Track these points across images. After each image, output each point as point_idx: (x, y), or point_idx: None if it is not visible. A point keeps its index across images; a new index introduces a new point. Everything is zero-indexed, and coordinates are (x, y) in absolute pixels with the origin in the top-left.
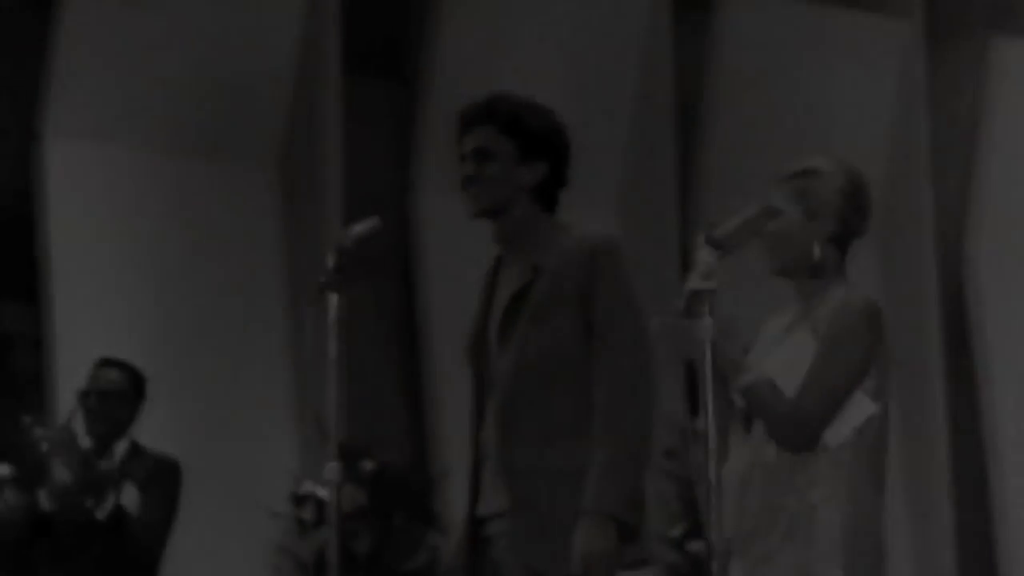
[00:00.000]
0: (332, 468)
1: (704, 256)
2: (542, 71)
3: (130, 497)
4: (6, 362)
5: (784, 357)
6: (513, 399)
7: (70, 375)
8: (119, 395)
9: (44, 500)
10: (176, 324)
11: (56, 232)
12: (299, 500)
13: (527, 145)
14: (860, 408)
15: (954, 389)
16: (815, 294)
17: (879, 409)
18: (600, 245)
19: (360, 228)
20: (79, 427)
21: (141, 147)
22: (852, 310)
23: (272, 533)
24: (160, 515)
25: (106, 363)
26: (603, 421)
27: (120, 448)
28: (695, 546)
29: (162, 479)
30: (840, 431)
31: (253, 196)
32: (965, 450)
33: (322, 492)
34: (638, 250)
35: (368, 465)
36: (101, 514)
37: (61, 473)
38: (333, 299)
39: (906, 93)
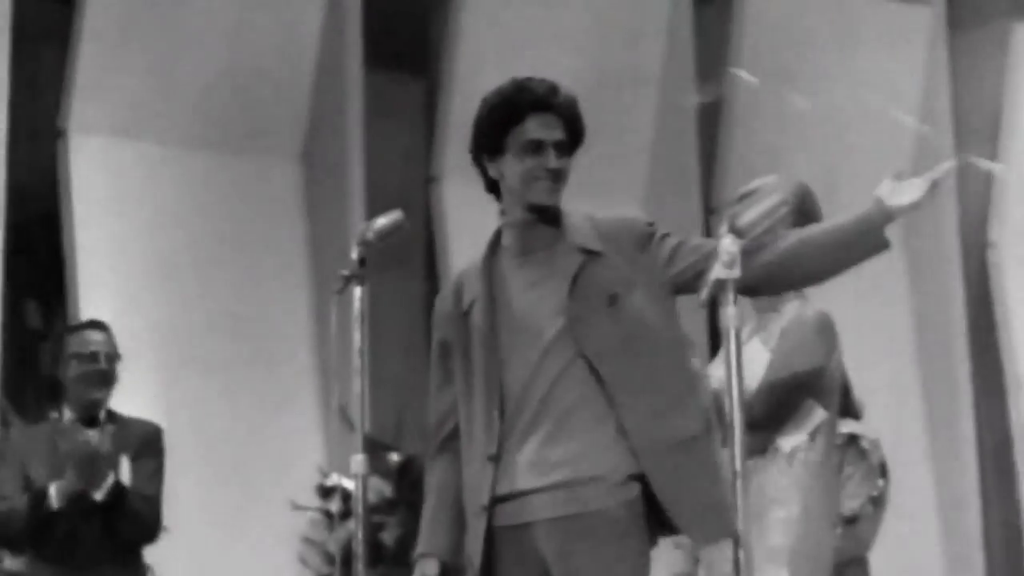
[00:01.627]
0: (358, 460)
1: (727, 245)
2: (564, 64)
3: (125, 471)
4: (33, 360)
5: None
6: (621, 374)
7: None
8: (116, 356)
9: (52, 499)
10: (201, 318)
11: (81, 229)
12: (326, 492)
13: (575, 138)
14: (812, 415)
15: (981, 387)
16: (771, 308)
17: (829, 416)
18: (637, 219)
19: (383, 221)
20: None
21: (165, 143)
22: (804, 322)
23: (299, 526)
24: (156, 485)
25: (91, 325)
26: (698, 393)
27: (102, 416)
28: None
29: (151, 448)
30: (793, 437)
31: (277, 190)
32: (993, 449)
33: (349, 484)
34: None
35: (394, 457)
36: (100, 494)
37: (70, 477)
38: (356, 291)
39: (930, 81)
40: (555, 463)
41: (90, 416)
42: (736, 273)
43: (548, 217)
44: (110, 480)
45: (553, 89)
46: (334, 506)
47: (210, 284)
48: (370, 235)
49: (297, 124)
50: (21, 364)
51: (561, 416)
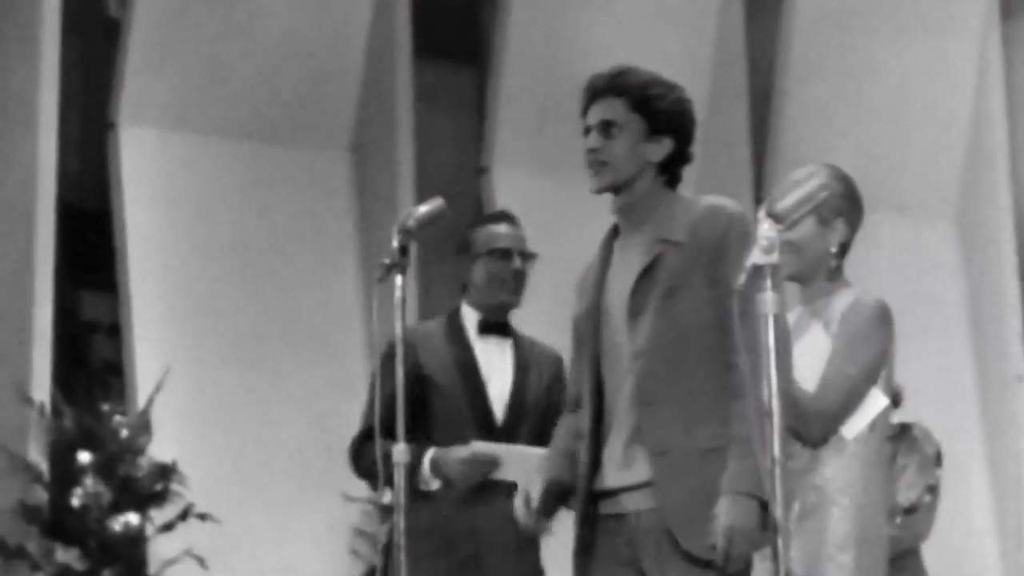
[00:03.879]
0: (400, 450)
1: (765, 230)
2: (613, 52)
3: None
4: (86, 351)
5: (797, 354)
6: (654, 374)
7: (148, 363)
8: (530, 255)
9: (426, 476)
10: (253, 308)
11: (132, 220)
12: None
13: (655, 121)
14: (874, 403)
15: None
16: (821, 296)
17: (887, 405)
18: (732, 214)
19: (424, 209)
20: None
21: (215, 134)
22: (866, 309)
23: (351, 516)
24: None
25: (503, 218)
26: (741, 398)
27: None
28: None
29: (561, 382)
30: (856, 425)
31: (327, 180)
32: None
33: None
34: None
35: None
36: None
37: (458, 472)
38: (397, 280)
39: (982, 69)
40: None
41: (495, 323)
42: (774, 259)
43: (642, 202)
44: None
45: (605, 79)
46: (386, 497)
47: (260, 274)
48: (411, 223)
49: (347, 114)
50: (72, 354)
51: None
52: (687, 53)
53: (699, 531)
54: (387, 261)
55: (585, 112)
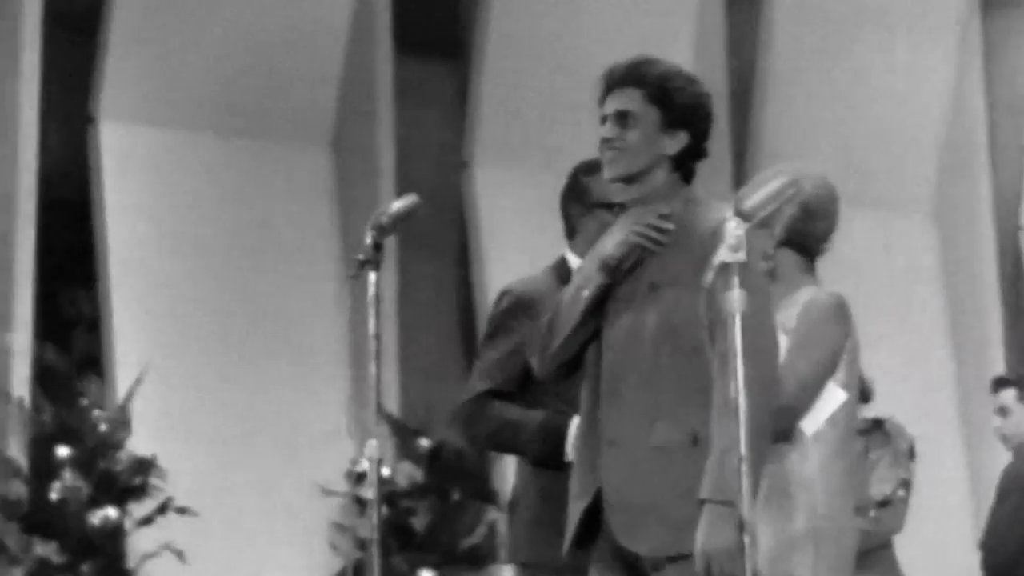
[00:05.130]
0: (372, 446)
1: (731, 228)
2: (593, 49)
3: None
4: (66, 345)
5: None
6: (622, 366)
7: (127, 358)
8: None
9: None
10: (231, 303)
11: (112, 215)
12: (357, 478)
13: (671, 113)
14: (832, 397)
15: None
16: (786, 293)
17: (848, 399)
18: (725, 218)
19: (397, 205)
20: None
21: (194, 130)
22: (819, 306)
23: (328, 511)
24: None
25: None
26: (725, 404)
27: None
28: None
29: None
30: (815, 420)
31: (307, 177)
32: None
33: (384, 469)
34: None
35: (425, 442)
36: None
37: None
38: (371, 277)
39: (961, 65)
40: None
41: None
42: (741, 256)
43: (654, 195)
44: None
45: (623, 69)
46: (365, 492)
47: (240, 270)
48: (384, 220)
49: (327, 111)
50: (52, 350)
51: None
52: (666, 50)
53: (638, 529)
54: (361, 257)
55: (602, 101)
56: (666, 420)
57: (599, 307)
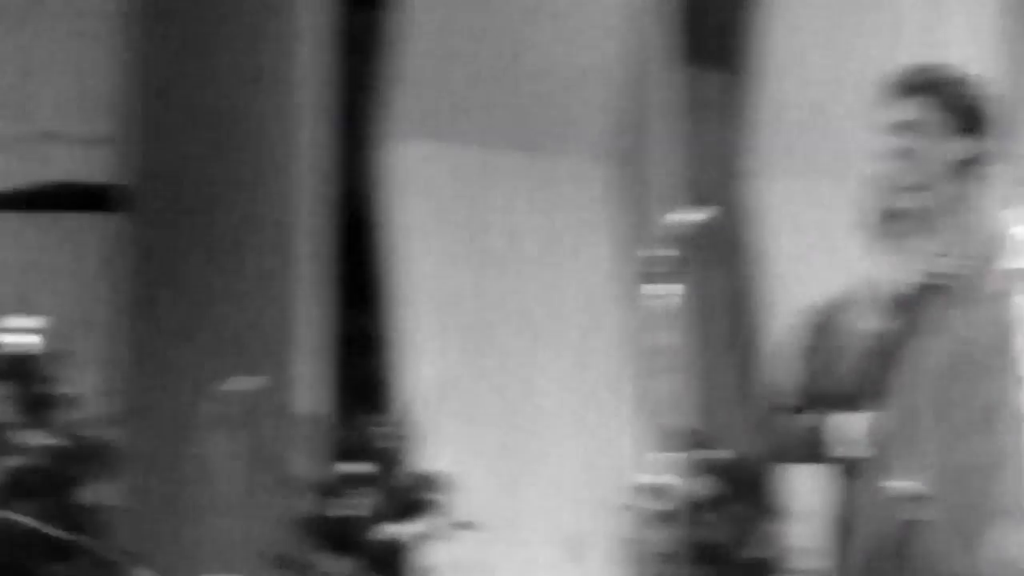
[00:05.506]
0: (665, 459)
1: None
2: (873, 58)
3: None
4: (357, 365)
5: None
6: (940, 387)
7: (417, 374)
8: None
9: None
10: (516, 317)
11: (402, 233)
12: (656, 492)
13: (963, 120)
14: None
15: None
16: None
17: None
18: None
19: (694, 217)
20: None
21: (479, 145)
22: None
23: (617, 526)
24: None
25: None
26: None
27: None
28: None
29: None
30: None
31: (590, 189)
32: None
33: (677, 483)
34: None
35: (722, 455)
36: None
37: None
38: (667, 288)
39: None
40: None
41: None
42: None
43: (946, 208)
44: None
45: (914, 76)
46: (664, 505)
47: (524, 284)
48: (680, 231)
49: (608, 123)
50: (347, 369)
51: None
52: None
53: (951, 558)
54: (655, 269)
55: (889, 108)
56: (971, 438)
57: None
